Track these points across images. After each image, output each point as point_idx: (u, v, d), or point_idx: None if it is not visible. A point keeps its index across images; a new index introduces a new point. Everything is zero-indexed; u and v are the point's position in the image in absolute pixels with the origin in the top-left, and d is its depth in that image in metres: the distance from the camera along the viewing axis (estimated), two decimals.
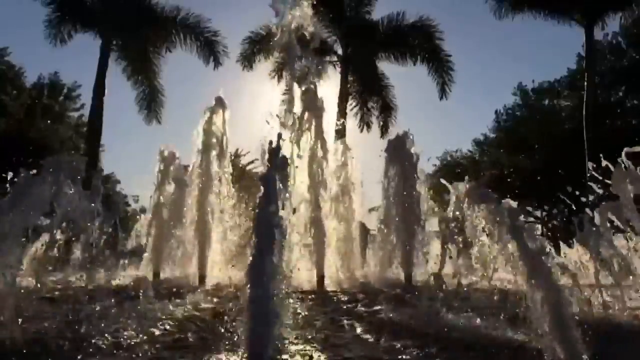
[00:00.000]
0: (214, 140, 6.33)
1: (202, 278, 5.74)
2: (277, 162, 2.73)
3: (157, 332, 2.92)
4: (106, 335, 2.75)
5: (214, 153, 6.31)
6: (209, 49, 19.20)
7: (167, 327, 3.05)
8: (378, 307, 3.78)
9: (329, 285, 5.51)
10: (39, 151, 19.44)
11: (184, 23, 19.09)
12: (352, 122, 19.92)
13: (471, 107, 51.56)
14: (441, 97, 19.42)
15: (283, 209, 2.56)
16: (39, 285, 4.28)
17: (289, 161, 5.95)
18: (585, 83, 18.24)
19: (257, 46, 19.64)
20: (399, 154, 6.18)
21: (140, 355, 2.50)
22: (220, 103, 6.42)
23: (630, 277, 4.21)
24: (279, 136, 3.19)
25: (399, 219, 5.95)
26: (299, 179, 5.95)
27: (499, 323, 2.99)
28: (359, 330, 3.15)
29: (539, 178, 23.13)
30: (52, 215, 3.88)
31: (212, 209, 6.19)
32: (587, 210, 5.00)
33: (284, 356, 2.39)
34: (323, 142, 6.17)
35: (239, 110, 6.55)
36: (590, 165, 5.48)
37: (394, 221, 6.00)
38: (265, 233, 2.40)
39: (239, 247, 6.09)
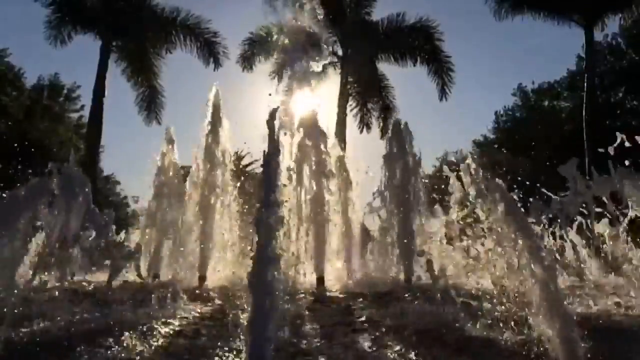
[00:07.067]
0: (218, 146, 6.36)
1: (202, 279, 5.70)
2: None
3: None
4: None
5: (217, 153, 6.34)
6: (209, 49, 19.21)
7: None
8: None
9: (329, 285, 5.49)
10: (39, 152, 19.42)
11: (183, 24, 19.11)
12: (352, 123, 19.98)
13: (471, 108, 51.67)
14: (441, 98, 19.49)
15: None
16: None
17: (289, 163, 6.00)
18: (585, 84, 18.24)
19: (257, 47, 19.65)
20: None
21: None
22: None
23: None
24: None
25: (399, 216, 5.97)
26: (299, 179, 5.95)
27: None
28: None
29: (538, 179, 23.06)
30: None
31: (213, 208, 6.18)
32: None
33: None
34: (324, 143, 6.17)
35: (239, 111, 6.55)
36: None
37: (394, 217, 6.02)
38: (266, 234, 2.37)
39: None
